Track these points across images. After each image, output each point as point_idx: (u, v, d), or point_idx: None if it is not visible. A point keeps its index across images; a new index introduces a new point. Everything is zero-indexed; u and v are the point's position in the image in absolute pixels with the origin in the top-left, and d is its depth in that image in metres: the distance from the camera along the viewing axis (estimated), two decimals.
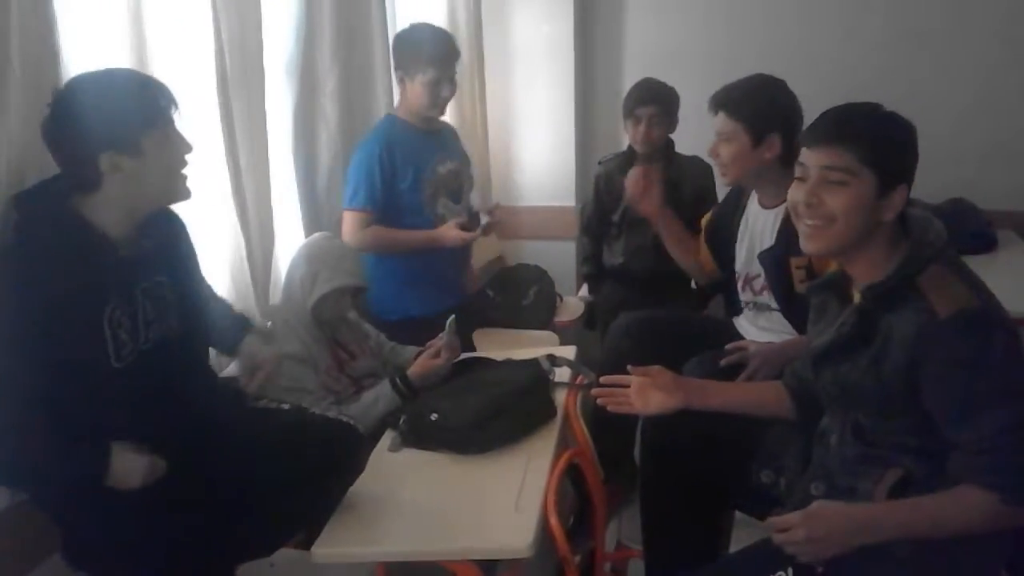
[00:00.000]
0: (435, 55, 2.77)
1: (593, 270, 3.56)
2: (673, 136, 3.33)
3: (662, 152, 3.30)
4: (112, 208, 1.64)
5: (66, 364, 1.54)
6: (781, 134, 2.34)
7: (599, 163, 3.59)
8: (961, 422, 1.45)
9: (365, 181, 2.76)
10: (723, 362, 2.28)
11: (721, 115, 2.38)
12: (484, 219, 2.94)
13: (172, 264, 1.80)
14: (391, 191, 2.80)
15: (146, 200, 1.68)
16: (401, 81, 2.81)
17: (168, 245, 1.80)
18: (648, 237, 3.25)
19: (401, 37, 2.83)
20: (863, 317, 1.56)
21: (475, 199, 3.58)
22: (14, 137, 1.60)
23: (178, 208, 1.83)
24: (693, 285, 3.31)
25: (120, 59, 1.89)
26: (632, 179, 2.66)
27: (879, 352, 1.52)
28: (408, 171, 2.82)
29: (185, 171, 1.70)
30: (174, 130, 1.68)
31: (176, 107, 1.68)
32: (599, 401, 1.94)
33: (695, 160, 3.30)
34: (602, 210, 3.47)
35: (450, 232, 2.82)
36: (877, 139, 1.55)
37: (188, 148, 1.70)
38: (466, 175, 3.11)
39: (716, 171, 2.46)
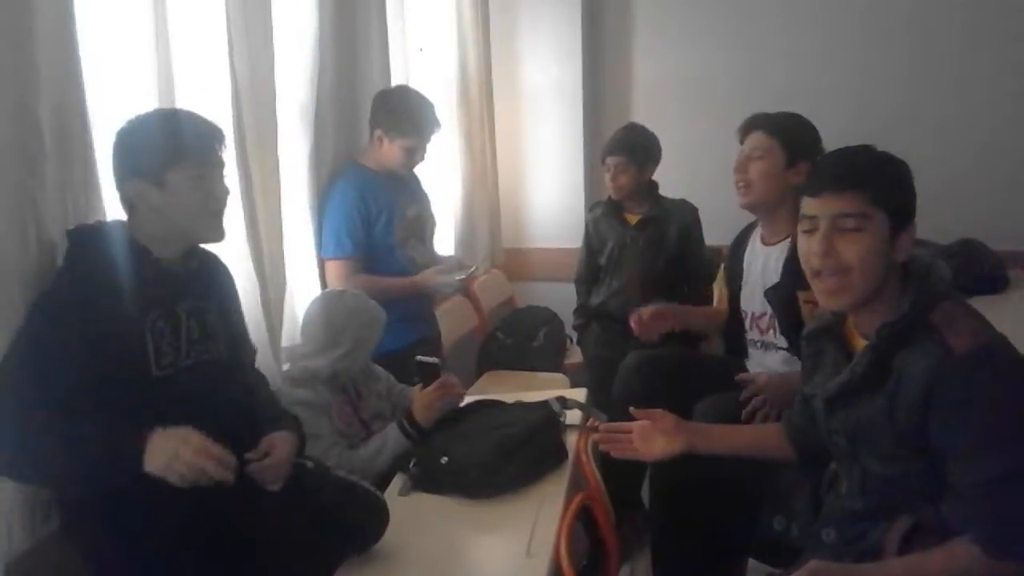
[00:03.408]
0: (422, 126, 2.88)
1: (582, 319, 3.55)
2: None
3: (644, 195, 3.36)
4: (150, 232, 1.73)
5: (109, 370, 1.59)
6: (811, 164, 2.36)
7: (589, 211, 3.62)
8: (966, 462, 1.43)
9: (347, 229, 2.83)
10: (742, 397, 2.25)
11: (758, 134, 2.40)
12: (465, 273, 3.05)
13: (220, 299, 1.87)
14: (368, 237, 2.88)
15: (175, 233, 1.75)
16: (379, 139, 2.89)
17: (216, 281, 1.89)
18: (633, 278, 3.27)
19: (389, 99, 2.91)
20: (877, 356, 1.54)
21: (480, 241, 3.61)
22: (48, 193, 1.65)
23: None
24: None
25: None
26: (637, 326, 2.66)
27: (893, 391, 1.50)
28: (381, 217, 2.90)
29: (218, 213, 1.77)
30: (213, 172, 1.75)
31: (222, 148, 1.76)
32: (602, 447, 1.94)
33: (680, 202, 3.37)
34: (591, 256, 3.49)
35: (433, 277, 2.94)
36: (883, 179, 1.54)
37: (224, 193, 1.77)
38: (430, 217, 3.18)
39: (737, 190, 2.44)
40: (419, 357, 2.39)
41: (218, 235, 1.80)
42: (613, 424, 1.96)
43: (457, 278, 3.02)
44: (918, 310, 1.49)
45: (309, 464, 1.96)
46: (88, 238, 1.69)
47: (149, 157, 1.68)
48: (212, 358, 1.81)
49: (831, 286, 1.55)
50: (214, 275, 1.91)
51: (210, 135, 1.76)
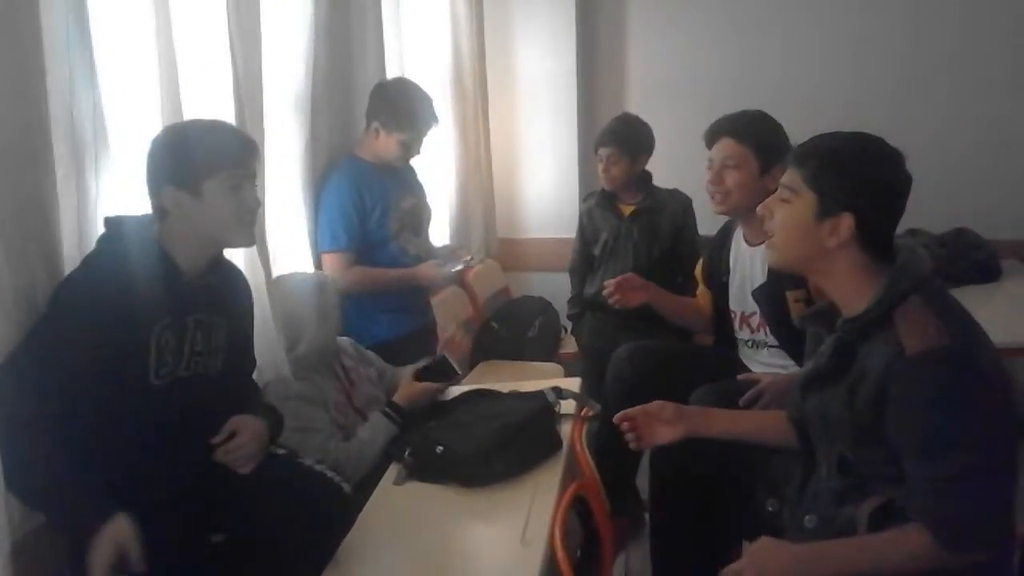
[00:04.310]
0: (419, 121, 2.89)
1: (576, 309, 3.56)
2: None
3: (638, 186, 3.36)
4: (179, 239, 1.75)
5: (109, 372, 1.60)
6: (784, 166, 2.35)
7: (583, 201, 3.64)
8: (915, 460, 1.46)
9: (342, 223, 2.85)
10: (742, 401, 2.25)
11: (728, 141, 2.39)
12: (461, 264, 3.05)
13: (232, 316, 1.89)
14: (362, 229, 2.90)
15: (207, 239, 1.78)
16: (376, 131, 2.90)
17: (234, 298, 1.91)
18: (627, 269, 3.28)
19: (388, 92, 2.92)
20: (841, 347, 1.57)
21: (475, 232, 3.60)
22: (60, 190, 1.67)
23: None
24: None
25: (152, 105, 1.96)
26: (612, 291, 2.63)
27: (853, 383, 1.53)
28: (376, 209, 2.91)
29: (250, 223, 1.81)
30: (246, 183, 1.78)
31: (256, 160, 1.81)
32: (629, 439, 1.92)
33: (674, 193, 3.37)
34: (585, 246, 3.50)
35: (428, 271, 2.96)
36: (824, 163, 1.56)
37: (256, 204, 1.82)
38: (425, 208, 3.20)
39: (712, 199, 2.44)
40: (447, 354, 2.44)
41: (249, 241, 1.86)
42: (624, 414, 1.95)
43: (453, 269, 3.02)
44: (882, 306, 1.51)
45: (280, 451, 1.97)
46: (121, 231, 1.71)
47: (186, 166, 1.71)
48: (208, 373, 1.82)
49: (767, 242, 1.69)
50: (232, 290, 1.93)
51: (246, 147, 1.80)
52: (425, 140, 2.97)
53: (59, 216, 1.68)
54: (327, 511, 1.80)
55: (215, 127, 1.82)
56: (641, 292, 2.65)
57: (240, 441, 1.77)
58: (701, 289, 2.74)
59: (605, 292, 2.66)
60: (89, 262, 1.69)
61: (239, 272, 1.98)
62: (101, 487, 1.56)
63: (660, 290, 2.73)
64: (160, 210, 1.74)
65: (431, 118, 2.93)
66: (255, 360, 2.09)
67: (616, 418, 1.91)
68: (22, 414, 1.54)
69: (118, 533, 1.49)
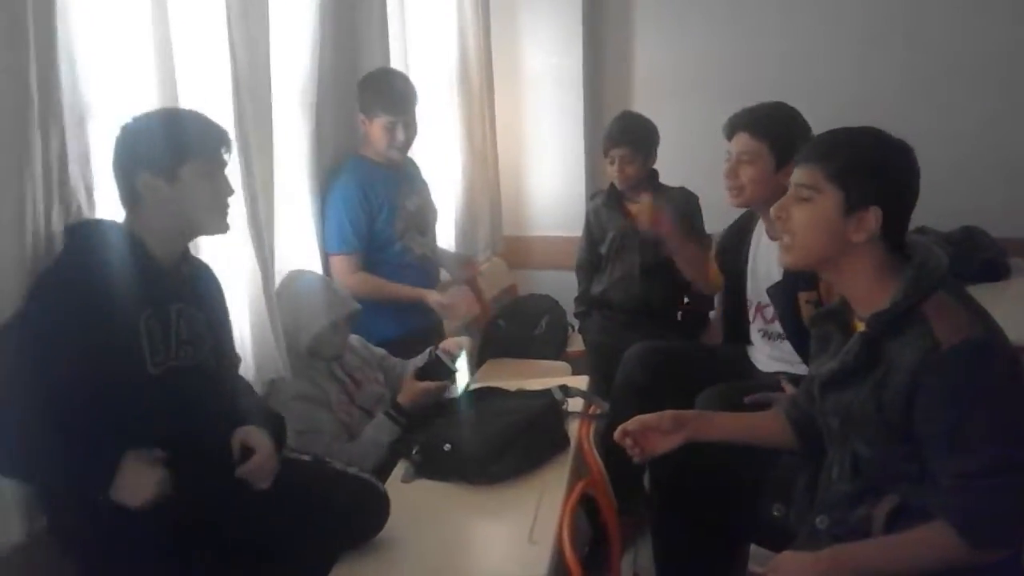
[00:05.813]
0: (391, 100, 2.87)
1: (583, 307, 3.54)
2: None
3: (645, 185, 3.35)
4: (152, 228, 1.75)
5: (103, 365, 1.60)
6: None
7: (590, 199, 3.63)
8: (945, 454, 1.45)
9: (349, 224, 2.84)
10: (747, 399, 2.24)
11: (744, 136, 2.38)
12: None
13: (209, 308, 1.88)
14: (369, 229, 2.89)
15: (181, 226, 1.78)
16: (363, 123, 2.91)
17: (207, 291, 1.91)
18: (634, 267, 3.28)
19: (363, 81, 2.92)
20: (868, 344, 1.56)
21: (481, 229, 3.58)
22: (42, 189, 1.65)
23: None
24: (679, 317, 3.32)
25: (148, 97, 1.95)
26: (645, 210, 2.66)
27: (882, 379, 1.52)
28: (383, 209, 2.91)
29: (225, 208, 1.81)
30: (219, 171, 1.79)
31: (228, 151, 1.81)
32: (633, 454, 1.91)
33: (680, 191, 3.35)
34: (592, 244, 3.49)
35: (434, 295, 2.94)
36: (847, 158, 1.56)
37: (229, 191, 1.82)
38: (431, 207, 3.19)
39: (727, 193, 2.44)
40: (440, 353, 2.42)
41: (223, 228, 1.84)
42: (623, 429, 1.93)
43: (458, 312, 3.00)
44: (910, 300, 1.50)
45: (306, 458, 1.96)
46: (87, 233, 1.70)
47: (162, 152, 1.71)
48: (198, 363, 1.80)
49: (781, 244, 1.67)
50: (205, 284, 1.92)
51: (218, 135, 1.80)
52: (412, 123, 2.92)
53: (29, 213, 1.62)
54: (368, 512, 1.82)
55: (191, 115, 1.81)
56: (669, 228, 2.70)
57: (259, 461, 1.75)
58: (716, 270, 2.73)
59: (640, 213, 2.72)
60: (63, 260, 1.66)
61: (207, 266, 1.96)
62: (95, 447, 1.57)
63: (684, 235, 2.76)
64: (132, 198, 1.73)
65: (405, 96, 2.89)
66: (239, 355, 2.06)
67: (616, 436, 1.89)
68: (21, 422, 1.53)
69: (141, 477, 1.56)
